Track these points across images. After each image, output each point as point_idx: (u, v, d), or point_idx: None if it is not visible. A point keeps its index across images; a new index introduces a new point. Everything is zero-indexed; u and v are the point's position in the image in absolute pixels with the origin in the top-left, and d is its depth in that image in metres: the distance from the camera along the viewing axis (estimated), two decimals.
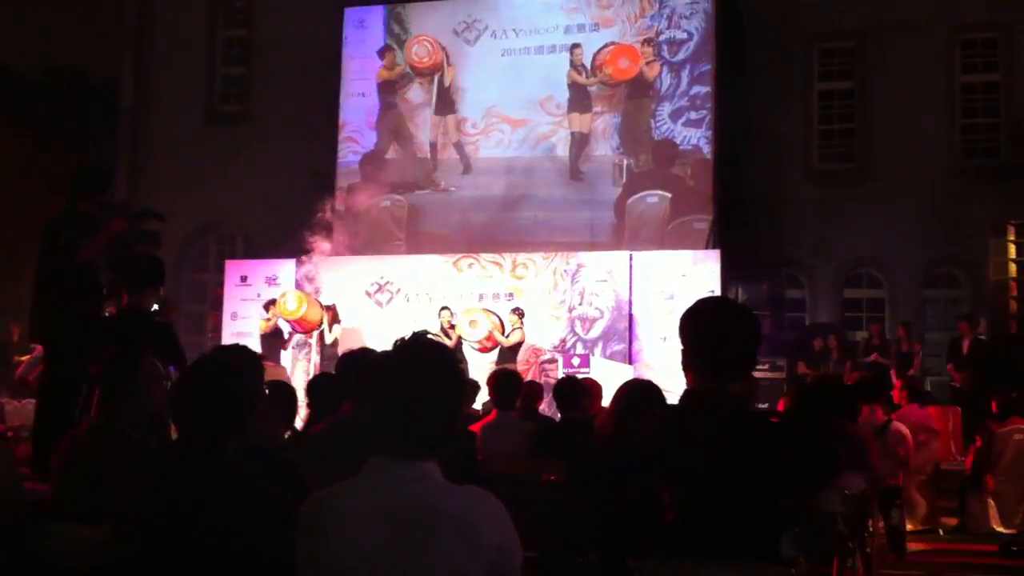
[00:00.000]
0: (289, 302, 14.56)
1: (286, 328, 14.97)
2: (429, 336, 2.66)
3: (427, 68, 17.69)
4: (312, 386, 5.99)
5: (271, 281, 16.11)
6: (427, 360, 2.58)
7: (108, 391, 4.54)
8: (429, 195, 17.48)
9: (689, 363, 3.19)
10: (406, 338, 2.64)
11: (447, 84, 17.54)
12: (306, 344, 15.47)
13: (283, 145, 18.77)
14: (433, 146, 17.45)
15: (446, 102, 17.54)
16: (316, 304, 15.20)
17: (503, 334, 14.45)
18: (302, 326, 14.93)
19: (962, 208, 16.57)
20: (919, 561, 8.65)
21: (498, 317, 14.75)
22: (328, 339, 14.67)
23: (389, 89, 17.86)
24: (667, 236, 16.12)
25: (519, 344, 14.39)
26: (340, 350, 13.40)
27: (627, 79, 16.83)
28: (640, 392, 5.13)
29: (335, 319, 14.81)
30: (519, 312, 14.50)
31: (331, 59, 18.23)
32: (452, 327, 14.48)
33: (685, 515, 3.06)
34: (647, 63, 16.74)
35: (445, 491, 2.51)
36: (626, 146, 16.71)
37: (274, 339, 14.70)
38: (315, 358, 15.21)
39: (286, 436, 5.26)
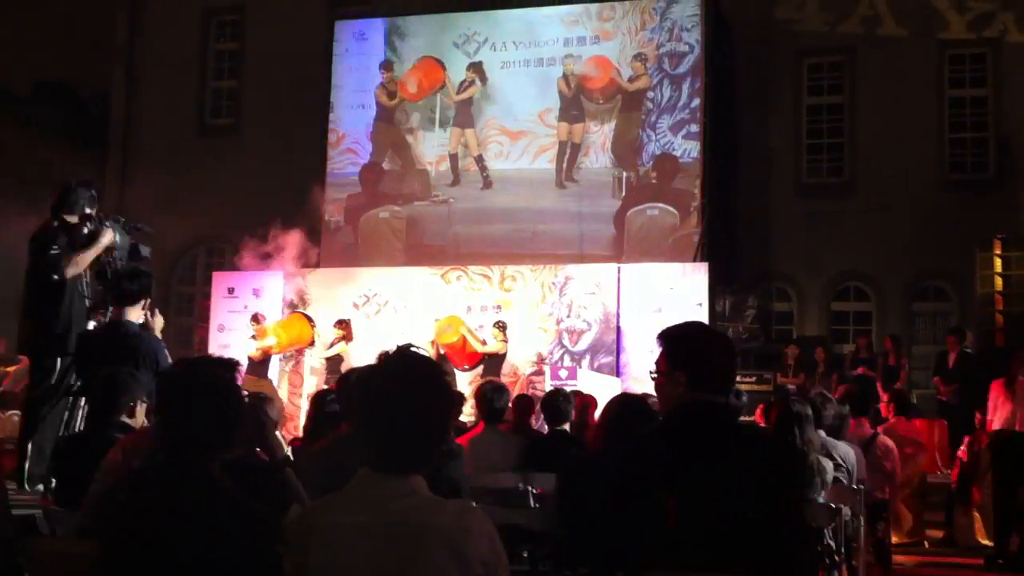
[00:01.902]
0: (272, 344, 14.53)
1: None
2: (414, 349, 2.64)
3: (418, 97, 17.67)
4: (315, 401, 6.00)
5: (258, 292, 16.05)
6: (413, 374, 2.56)
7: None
8: (427, 207, 17.45)
9: (687, 379, 3.24)
10: (391, 351, 2.64)
11: (467, 98, 17.44)
12: (292, 359, 15.46)
13: (273, 158, 18.79)
14: (454, 158, 17.38)
15: (465, 115, 17.45)
16: (294, 321, 15.12)
17: (481, 344, 14.43)
18: (295, 347, 15.01)
19: (949, 222, 16.62)
20: (905, 574, 8.68)
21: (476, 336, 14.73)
22: (328, 353, 14.61)
23: (389, 103, 17.83)
24: (668, 249, 16.06)
25: (499, 355, 14.33)
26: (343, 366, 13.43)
27: (598, 88, 16.83)
28: (630, 405, 5.13)
29: (348, 336, 14.67)
30: (501, 325, 14.45)
31: (322, 72, 18.23)
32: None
33: (683, 523, 3.06)
34: (632, 77, 16.72)
35: (432, 506, 2.50)
36: (621, 159, 16.70)
37: (261, 362, 14.66)
38: (306, 372, 15.20)
39: (285, 449, 5.25)
